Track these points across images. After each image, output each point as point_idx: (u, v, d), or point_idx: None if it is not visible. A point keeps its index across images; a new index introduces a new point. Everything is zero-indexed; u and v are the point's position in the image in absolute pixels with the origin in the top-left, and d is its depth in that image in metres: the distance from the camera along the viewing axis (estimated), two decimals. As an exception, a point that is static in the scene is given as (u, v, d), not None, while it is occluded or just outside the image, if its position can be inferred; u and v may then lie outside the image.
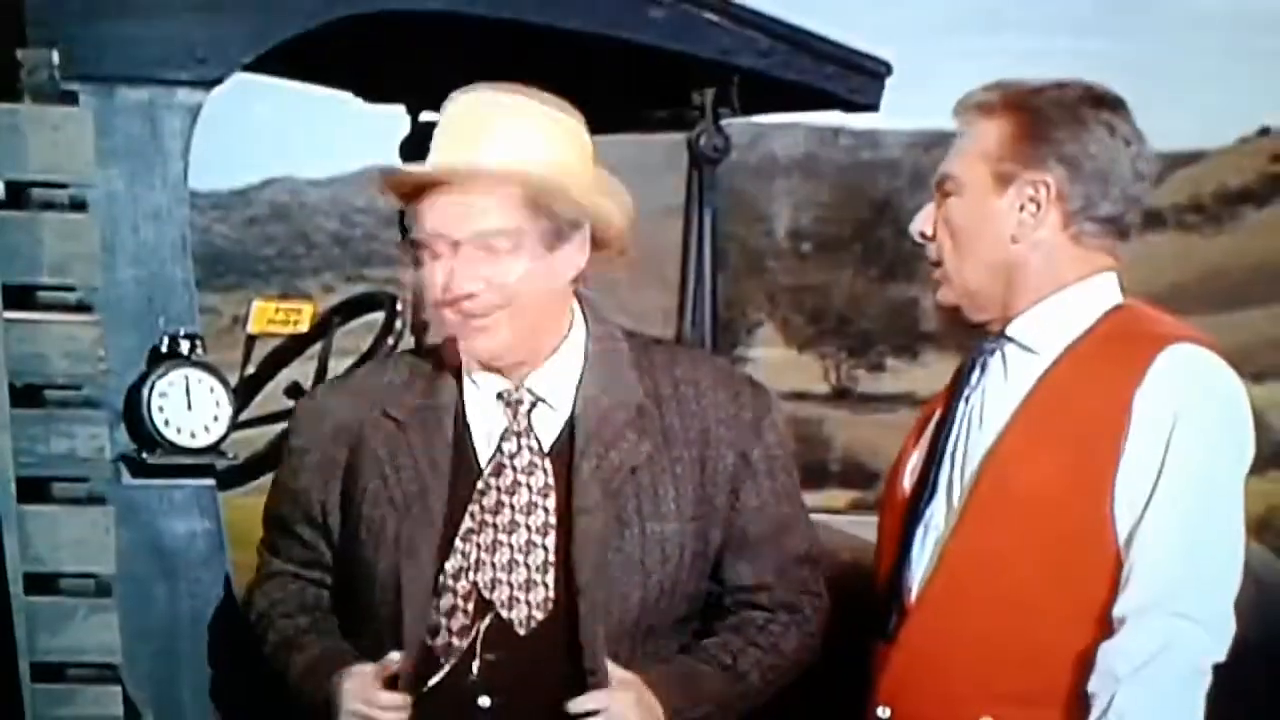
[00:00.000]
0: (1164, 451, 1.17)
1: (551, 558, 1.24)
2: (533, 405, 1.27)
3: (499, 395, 1.27)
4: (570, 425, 1.27)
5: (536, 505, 1.25)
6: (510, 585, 1.24)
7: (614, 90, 1.86)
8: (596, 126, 1.72)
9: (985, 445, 1.22)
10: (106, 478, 1.39)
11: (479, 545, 1.25)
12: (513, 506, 1.25)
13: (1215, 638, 1.15)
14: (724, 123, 1.86)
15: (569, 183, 1.26)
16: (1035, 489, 1.18)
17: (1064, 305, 1.23)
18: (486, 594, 1.24)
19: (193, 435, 1.49)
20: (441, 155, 1.25)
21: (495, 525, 1.25)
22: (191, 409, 1.48)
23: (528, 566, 1.24)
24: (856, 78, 1.82)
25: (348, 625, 1.30)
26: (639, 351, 1.31)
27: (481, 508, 1.25)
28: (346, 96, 1.93)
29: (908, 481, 1.27)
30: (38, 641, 1.33)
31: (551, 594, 1.24)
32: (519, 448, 1.27)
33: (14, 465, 1.33)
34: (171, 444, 1.48)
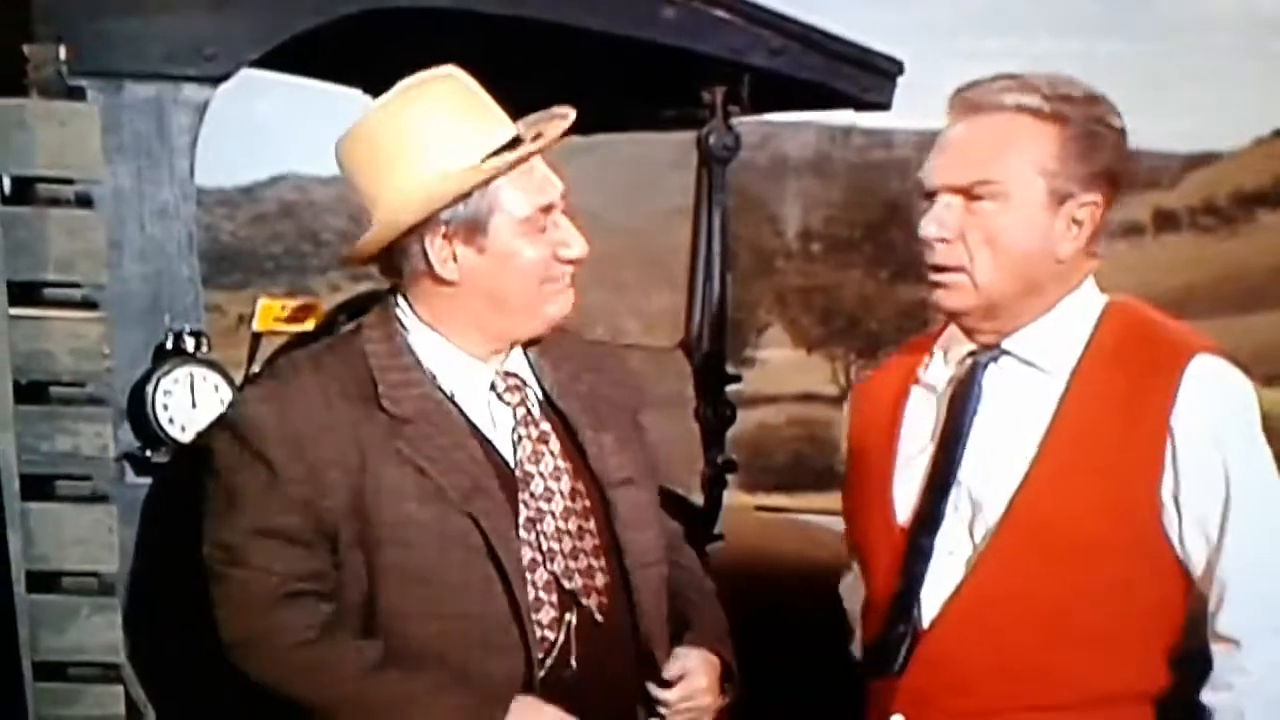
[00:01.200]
0: (1224, 472, 1.17)
1: (598, 540, 1.24)
2: (523, 389, 1.26)
3: (491, 385, 1.25)
4: (548, 406, 1.27)
5: (576, 490, 1.24)
6: (579, 573, 1.23)
7: (623, 88, 1.85)
8: (606, 125, 1.70)
9: (1008, 472, 1.19)
10: (110, 476, 1.38)
11: (544, 534, 1.22)
12: (561, 493, 1.24)
13: None
14: (734, 121, 1.85)
15: None
16: (1072, 518, 1.16)
17: (1062, 317, 1.21)
18: (566, 584, 1.22)
19: (198, 434, 1.47)
20: (498, 132, 1.22)
21: (553, 513, 1.23)
22: (196, 406, 1.47)
23: (585, 552, 1.23)
24: (868, 77, 1.81)
25: (369, 630, 1.21)
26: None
27: (532, 495, 1.23)
28: (355, 93, 1.93)
29: (901, 507, 1.22)
30: (40, 640, 1.33)
31: (609, 577, 1.24)
32: (538, 433, 1.25)
33: (18, 463, 1.33)
34: (176, 442, 1.47)
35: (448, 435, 1.23)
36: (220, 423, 1.29)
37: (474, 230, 1.22)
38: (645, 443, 1.32)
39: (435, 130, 1.22)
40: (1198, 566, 1.19)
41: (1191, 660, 1.20)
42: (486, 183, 1.21)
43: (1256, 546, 1.18)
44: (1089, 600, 1.18)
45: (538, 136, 1.24)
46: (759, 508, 2.53)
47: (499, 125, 1.24)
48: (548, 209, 1.23)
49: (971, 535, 1.20)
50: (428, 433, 1.22)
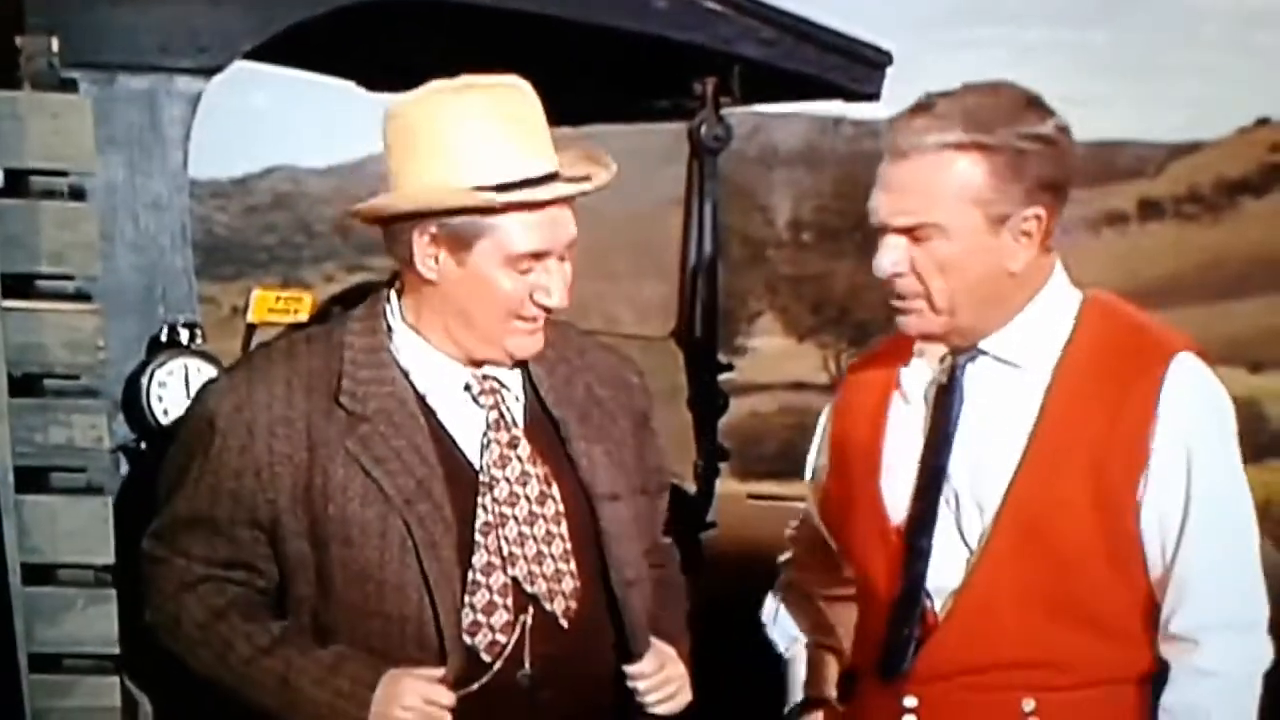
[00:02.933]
0: (1187, 470, 1.20)
1: (569, 545, 1.25)
2: (499, 392, 1.27)
3: (466, 386, 1.25)
4: (534, 409, 1.27)
5: (546, 495, 1.25)
6: (544, 577, 1.23)
7: (615, 80, 1.85)
8: (598, 116, 1.70)
9: (996, 469, 1.21)
10: (105, 468, 1.38)
11: (505, 539, 1.23)
12: (527, 498, 1.24)
13: (1272, 638, 1.21)
14: (725, 112, 1.85)
15: None
16: (1062, 513, 1.18)
17: (1038, 315, 1.22)
18: (527, 588, 1.23)
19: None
20: (530, 162, 1.20)
21: (515, 518, 1.24)
22: (190, 398, 1.47)
23: (553, 557, 1.24)
24: (858, 68, 1.82)
25: (324, 629, 1.23)
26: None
27: (494, 500, 1.24)
28: (348, 85, 1.93)
29: (894, 510, 1.23)
30: (36, 632, 1.33)
31: (578, 582, 1.24)
32: (510, 437, 1.25)
33: (12, 455, 1.32)
34: (170, 433, 1.49)
35: (404, 436, 1.23)
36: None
37: (462, 243, 1.22)
38: (650, 445, 1.31)
39: (470, 137, 1.21)
40: (1155, 566, 1.21)
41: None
42: (482, 212, 1.21)
43: (1215, 548, 1.19)
44: (1085, 590, 1.20)
45: (582, 179, 1.22)
46: (751, 495, 2.55)
47: (536, 155, 1.22)
48: (541, 255, 1.22)
49: (962, 533, 1.21)
50: (383, 432, 1.22)
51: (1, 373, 1.32)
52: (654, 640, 1.28)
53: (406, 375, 1.25)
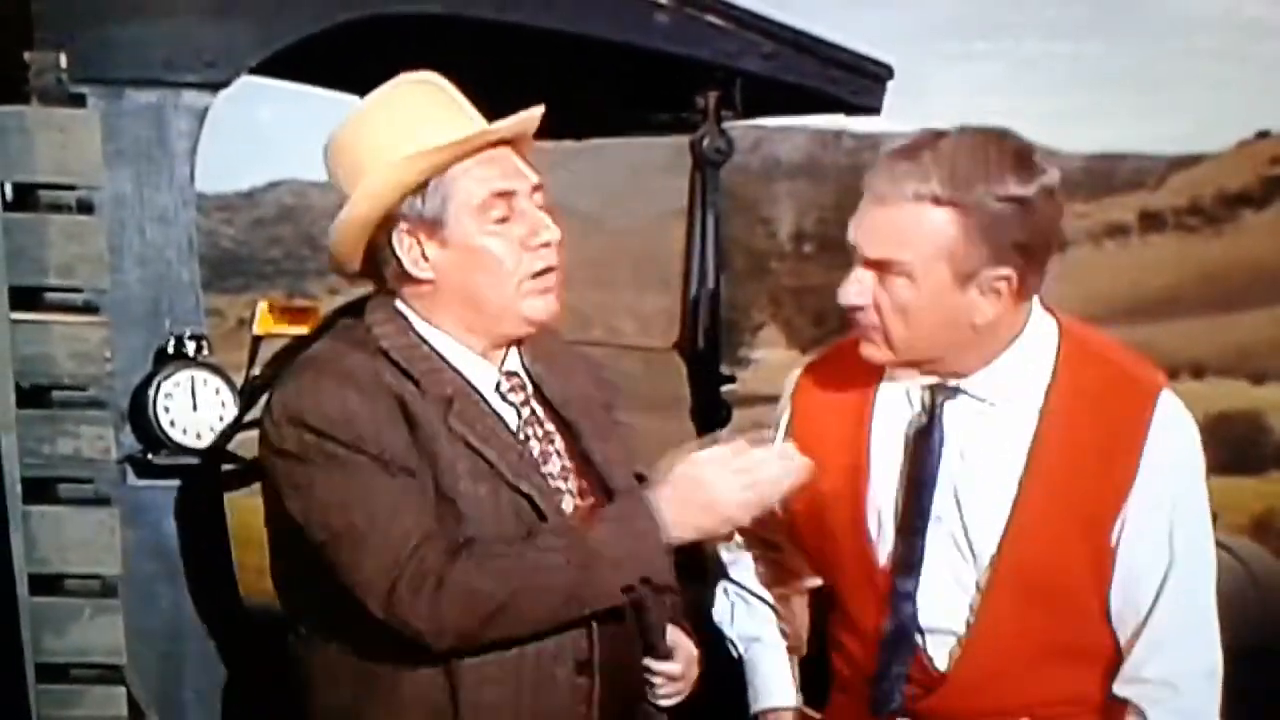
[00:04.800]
0: (1170, 519, 1.21)
1: None
2: (526, 389, 1.27)
3: (496, 385, 1.25)
4: (545, 405, 1.27)
5: (584, 489, 1.25)
6: None
7: (618, 94, 1.87)
8: (601, 129, 1.71)
9: (988, 512, 1.21)
10: (112, 478, 1.39)
11: None
12: (570, 492, 1.25)
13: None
14: (727, 125, 1.86)
15: None
16: (1055, 555, 1.20)
17: (1018, 357, 1.23)
18: None
19: (198, 436, 1.49)
20: (460, 127, 1.21)
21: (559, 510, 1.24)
22: (197, 409, 1.48)
23: None
24: (858, 81, 1.83)
25: None
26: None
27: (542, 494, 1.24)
28: (352, 99, 1.94)
29: (879, 546, 1.23)
30: (42, 642, 1.33)
31: None
32: (544, 433, 1.26)
33: (20, 466, 1.33)
34: (177, 444, 1.48)
35: (489, 415, 1.23)
36: (292, 420, 1.22)
37: (434, 223, 1.21)
38: (626, 439, 1.33)
39: (398, 127, 1.22)
40: (1120, 603, 1.22)
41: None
42: (440, 170, 1.21)
43: (1193, 593, 1.22)
44: (1082, 629, 1.22)
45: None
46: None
47: (466, 123, 1.23)
48: (504, 194, 1.21)
49: (957, 577, 1.22)
50: (473, 412, 1.23)
51: (9, 384, 1.33)
52: (680, 638, 1.28)
53: (453, 367, 1.25)
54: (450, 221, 1.22)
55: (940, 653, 1.24)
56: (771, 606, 1.37)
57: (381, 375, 1.22)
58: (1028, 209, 1.18)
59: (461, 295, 1.24)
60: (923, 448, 1.23)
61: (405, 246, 1.24)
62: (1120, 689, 1.22)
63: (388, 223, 1.24)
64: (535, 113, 1.25)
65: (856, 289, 1.21)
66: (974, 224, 1.18)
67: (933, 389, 1.24)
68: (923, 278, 1.19)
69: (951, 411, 1.23)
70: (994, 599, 1.22)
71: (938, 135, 1.20)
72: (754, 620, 1.37)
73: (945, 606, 1.23)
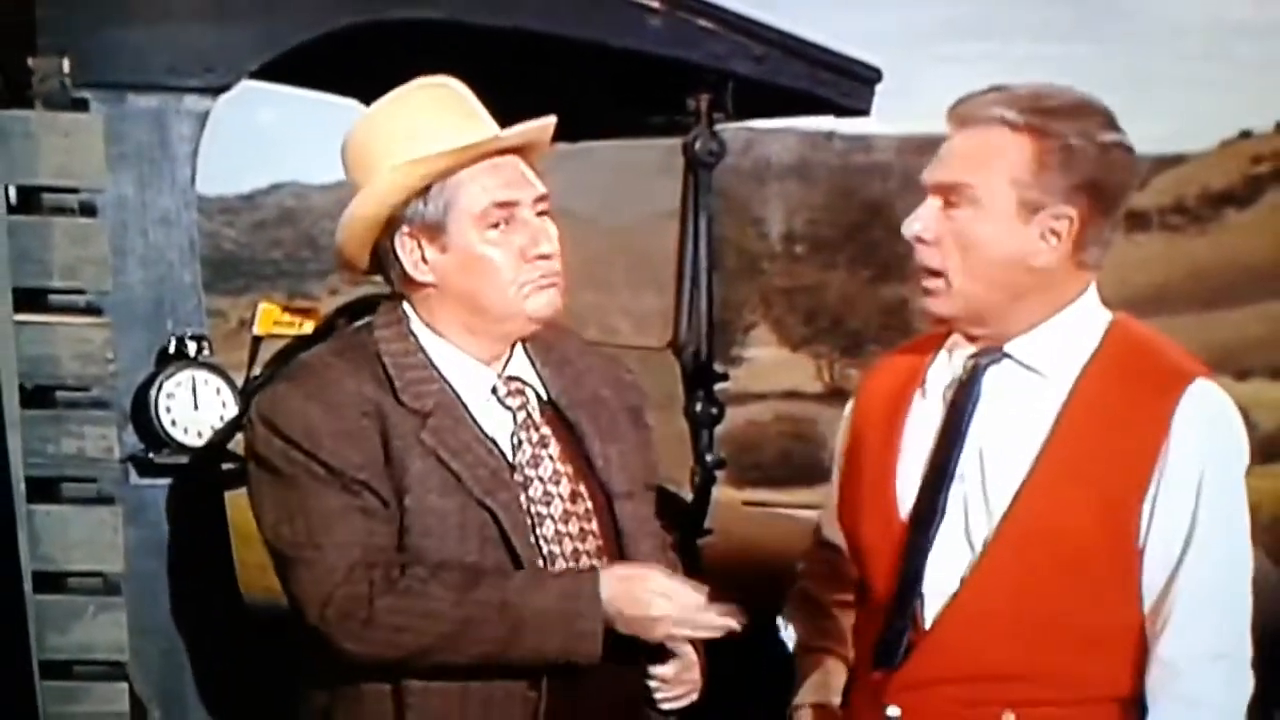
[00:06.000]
0: (1196, 496, 1.20)
1: (600, 542, 1.26)
2: (524, 393, 1.28)
3: (493, 390, 1.26)
4: (549, 410, 1.28)
5: (576, 493, 1.26)
6: None
7: (611, 96, 1.89)
8: (595, 131, 1.73)
9: (1008, 474, 1.21)
10: (115, 478, 1.40)
11: (543, 538, 1.24)
12: (560, 496, 1.26)
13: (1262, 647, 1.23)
14: (719, 127, 1.87)
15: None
16: (1067, 524, 1.19)
17: (1066, 326, 1.22)
18: None
19: (199, 435, 1.50)
20: (471, 132, 1.23)
21: (551, 516, 1.25)
22: (198, 409, 1.50)
23: (587, 554, 1.25)
24: (848, 83, 1.84)
25: None
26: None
27: (530, 499, 1.25)
28: (351, 103, 1.96)
29: (904, 503, 1.23)
30: (46, 639, 1.35)
31: None
32: (539, 436, 1.26)
33: (24, 465, 1.35)
34: (179, 444, 1.50)
35: (467, 429, 1.23)
36: (264, 423, 1.24)
37: (435, 228, 1.22)
38: (647, 442, 1.34)
39: (410, 129, 1.23)
40: (1151, 589, 1.20)
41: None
42: (445, 175, 1.21)
43: (1212, 577, 1.19)
44: (1080, 605, 1.20)
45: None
46: (747, 503, 2.57)
47: (478, 128, 1.24)
48: (506, 204, 1.23)
49: (969, 535, 1.22)
50: (449, 425, 1.23)
51: (14, 384, 1.35)
52: (679, 642, 1.28)
53: (443, 376, 1.26)
54: (451, 227, 1.23)
55: (933, 610, 1.21)
56: (829, 612, 1.35)
57: (362, 388, 1.23)
58: (1103, 152, 1.17)
59: (462, 299, 1.25)
60: (957, 405, 1.22)
61: (407, 249, 1.25)
62: (1147, 673, 1.19)
63: (392, 225, 1.25)
64: (545, 123, 1.27)
65: (922, 220, 1.20)
66: (1048, 152, 1.17)
67: (977, 355, 1.23)
68: (989, 204, 1.17)
69: (993, 375, 1.22)
70: (992, 557, 1.19)
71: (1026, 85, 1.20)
72: (808, 623, 1.35)
73: (951, 565, 1.21)
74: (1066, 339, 1.23)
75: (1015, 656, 1.21)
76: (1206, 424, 1.21)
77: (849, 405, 1.34)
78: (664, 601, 1.20)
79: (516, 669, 1.20)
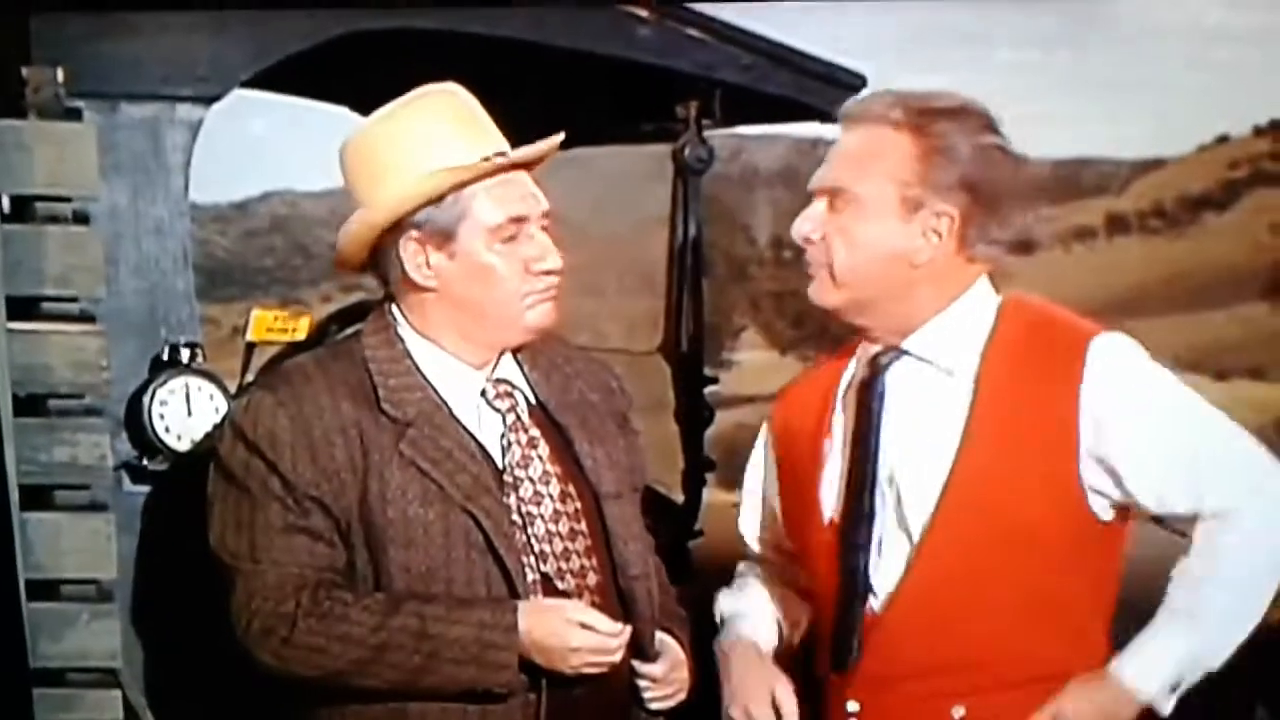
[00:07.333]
0: (1150, 400, 1.21)
1: (589, 542, 1.27)
2: (514, 395, 1.29)
3: (482, 392, 1.27)
4: (538, 413, 1.29)
5: (565, 493, 1.27)
6: (572, 573, 1.26)
7: (602, 104, 1.91)
8: (586, 139, 1.75)
9: (933, 466, 1.23)
10: (108, 485, 1.41)
11: (534, 537, 1.25)
12: (550, 496, 1.27)
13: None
14: (708, 134, 1.90)
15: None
16: (1002, 501, 1.21)
17: (957, 316, 1.25)
18: (558, 584, 1.25)
19: (193, 442, 1.51)
20: (483, 144, 1.24)
21: (541, 516, 1.26)
22: (192, 416, 1.51)
23: (577, 553, 1.26)
24: (834, 90, 1.87)
25: None
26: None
27: (520, 500, 1.26)
28: (343, 111, 1.97)
29: (827, 506, 1.26)
30: (39, 647, 1.35)
31: (600, 576, 1.27)
32: (528, 438, 1.28)
33: (17, 474, 1.35)
34: (172, 451, 1.50)
35: (449, 437, 1.25)
36: (232, 428, 1.26)
37: (445, 235, 1.24)
38: (634, 446, 1.35)
39: (421, 138, 1.25)
40: (1156, 496, 1.20)
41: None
42: (460, 188, 1.23)
43: (1214, 429, 1.22)
44: (1030, 580, 1.21)
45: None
46: (737, 504, 2.58)
47: (487, 139, 1.27)
48: (519, 219, 1.25)
49: (906, 528, 1.23)
50: (430, 435, 1.24)
51: (7, 392, 1.35)
52: (668, 641, 1.30)
53: (429, 382, 1.27)
54: (462, 235, 1.25)
55: (880, 606, 1.23)
56: (773, 589, 1.36)
57: (340, 403, 1.24)
58: (981, 153, 1.20)
59: (463, 305, 1.26)
60: (864, 404, 1.25)
61: (410, 253, 1.26)
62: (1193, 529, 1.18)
63: (396, 228, 1.26)
64: (556, 140, 1.28)
65: (809, 222, 1.23)
66: (928, 150, 1.20)
67: (877, 355, 1.25)
68: (871, 201, 1.20)
69: (896, 373, 1.25)
70: (932, 541, 1.21)
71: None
72: (742, 599, 1.37)
73: (893, 562, 1.23)
74: (960, 327, 1.25)
75: (964, 641, 1.22)
76: (1120, 363, 1.21)
77: (764, 426, 1.36)
78: (582, 633, 1.21)
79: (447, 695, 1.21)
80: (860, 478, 1.25)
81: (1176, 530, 1.24)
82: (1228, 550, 1.21)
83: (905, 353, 1.26)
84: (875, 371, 1.26)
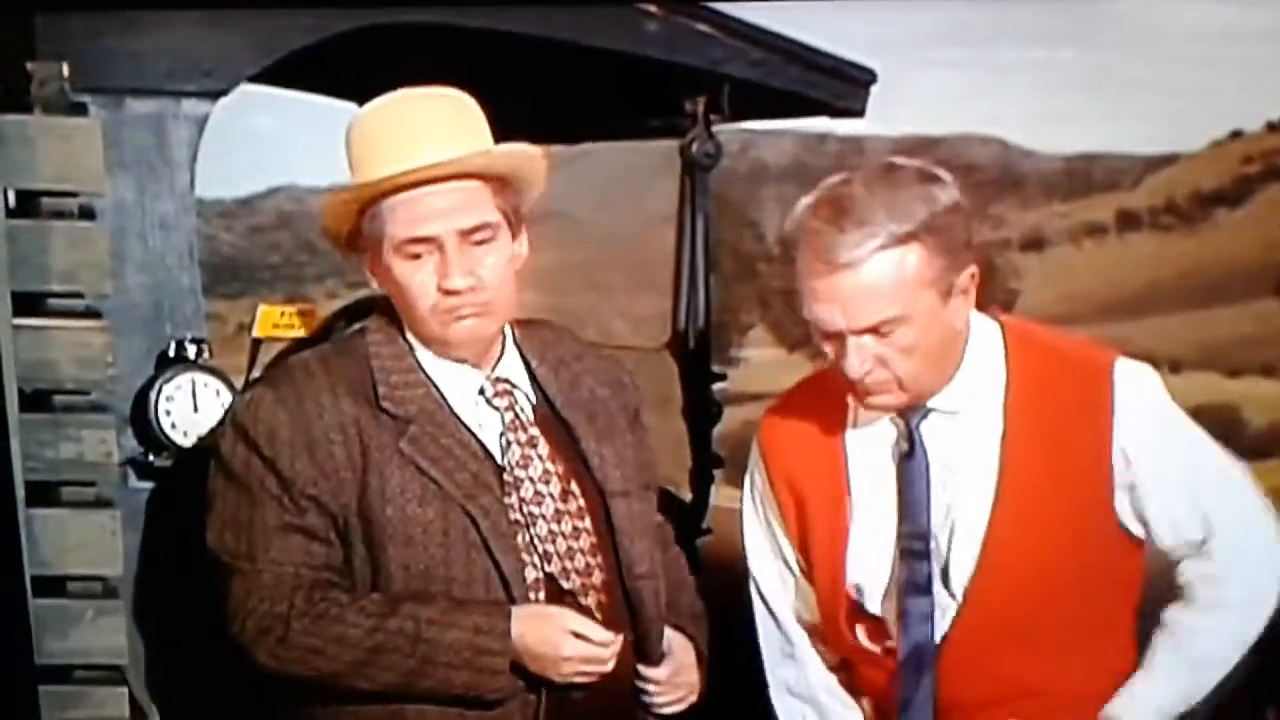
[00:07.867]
0: (1176, 442, 1.27)
1: (594, 540, 1.27)
2: (512, 394, 1.28)
3: (480, 390, 1.27)
4: (543, 411, 1.29)
5: (568, 492, 1.26)
6: (577, 572, 1.25)
7: (609, 99, 1.90)
8: (593, 134, 1.74)
9: (971, 518, 1.25)
10: (114, 481, 1.41)
11: (536, 537, 1.24)
12: (551, 495, 1.26)
13: None
14: (715, 130, 1.89)
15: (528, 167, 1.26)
16: (1040, 541, 1.23)
17: (974, 362, 1.27)
18: (563, 583, 1.24)
19: (199, 438, 1.51)
20: (403, 157, 1.21)
21: (543, 516, 1.25)
22: (198, 412, 1.50)
23: (582, 552, 1.26)
24: (843, 86, 1.87)
25: None
26: (527, 329, 1.32)
27: (521, 499, 1.25)
28: (348, 106, 1.97)
29: (853, 569, 1.26)
30: (45, 643, 1.35)
31: (606, 575, 1.26)
32: (528, 437, 1.27)
33: (23, 470, 1.35)
34: (178, 447, 1.50)
35: (450, 435, 1.24)
36: (233, 425, 1.27)
37: (375, 244, 1.24)
38: (644, 443, 1.34)
39: (369, 141, 1.24)
40: (1171, 522, 1.25)
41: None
42: (367, 203, 1.21)
43: (1224, 461, 1.27)
44: (1067, 615, 1.25)
45: (446, 163, 1.21)
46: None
47: (422, 149, 1.21)
48: (422, 240, 1.21)
49: (948, 582, 1.25)
50: (430, 433, 1.24)
51: (13, 388, 1.35)
52: (677, 642, 1.30)
53: (431, 380, 1.27)
54: (384, 249, 1.24)
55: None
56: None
57: (340, 402, 1.23)
58: (957, 208, 1.23)
59: (401, 310, 1.26)
60: (909, 471, 1.26)
61: (363, 256, 1.27)
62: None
63: (352, 233, 1.26)
64: (472, 158, 1.22)
65: (862, 361, 1.23)
66: (933, 244, 1.22)
67: (904, 415, 1.27)
68: (918, 315, 1.22)
69: (927, 431, 1.27)
70: (976, 595, 1.24)
71: (843, 184, 1.23)
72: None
73: (942, 619, 1.26)
74: (978, 374, 1.26)
75: (1015, 678, 1.24)
76: (1145, 394, 1.26)
77: (754, 464, 1.33)
78: (575, 642, 1.21)
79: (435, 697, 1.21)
80: (915, 545, 1.26)
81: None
82: (1221, 604, 1.25)
83: (932, 410, 1.27)
84: (910, 437, 1.26)
